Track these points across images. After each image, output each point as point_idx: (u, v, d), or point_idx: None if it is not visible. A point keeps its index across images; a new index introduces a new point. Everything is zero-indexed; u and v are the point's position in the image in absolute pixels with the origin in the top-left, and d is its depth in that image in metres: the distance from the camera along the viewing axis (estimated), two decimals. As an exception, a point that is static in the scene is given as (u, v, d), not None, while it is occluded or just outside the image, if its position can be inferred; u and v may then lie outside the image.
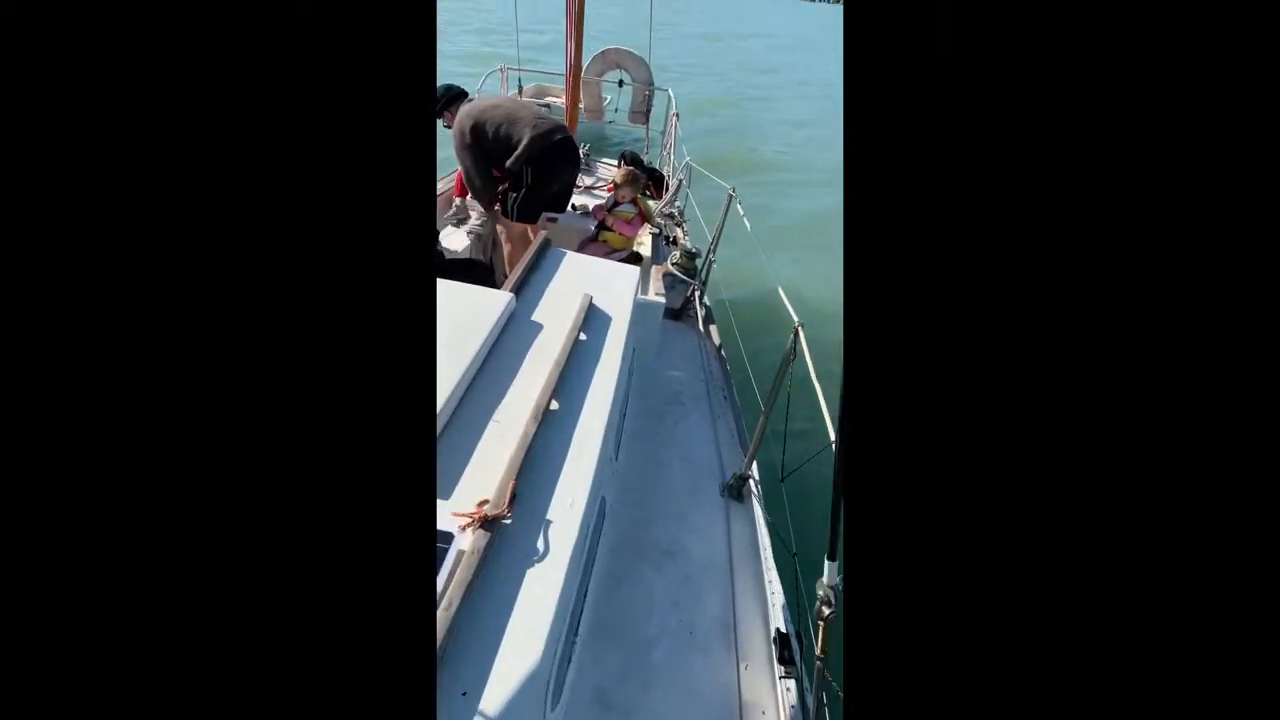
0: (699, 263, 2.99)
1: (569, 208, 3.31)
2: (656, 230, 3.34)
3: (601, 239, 3.14)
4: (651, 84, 4.66)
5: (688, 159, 3.65)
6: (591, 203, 3.52)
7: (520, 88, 4.26)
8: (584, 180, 3.88)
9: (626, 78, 3.87)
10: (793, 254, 5.56)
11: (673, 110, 3.61)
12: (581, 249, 2.84)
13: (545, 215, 3.11)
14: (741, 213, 2.91)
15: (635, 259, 2.97)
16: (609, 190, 3.37)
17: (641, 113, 4.55)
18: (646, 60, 4.50)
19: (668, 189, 3.70)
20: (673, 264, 2.87)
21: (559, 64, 4.40)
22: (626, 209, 3.18)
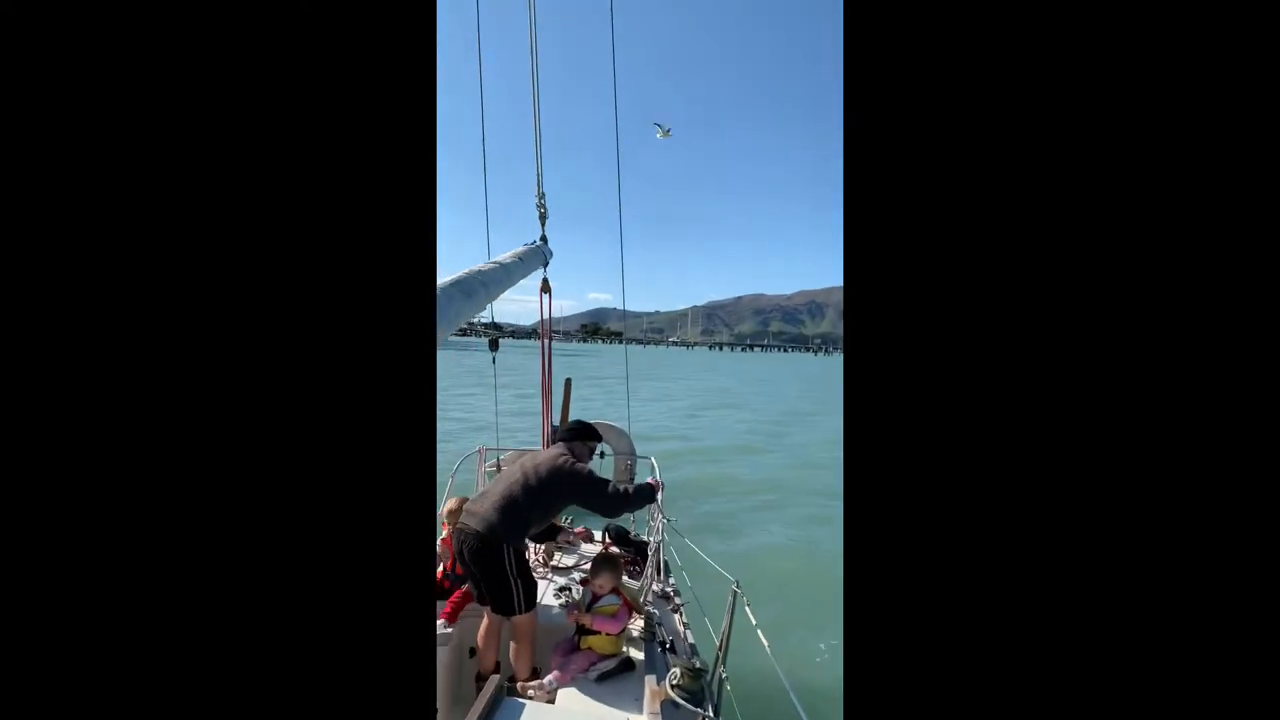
0: (706, 681, 2.26)
1: (547, 601, 2.90)
2: (647, 619, 2.79)
3: (584, 645, 2.53)
4: (634, 454, 4.31)
5: (664, 519, 3.29)
6: (573, 585, 3.07)
7: (499, 467, 4.04)
8: (565, 560, 3.46)
9: (606, 449, 3.65)
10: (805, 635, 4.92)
11: (656, 478, 3.43)
12: (563, 663, 2.44)
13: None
14: (749, 611, 2.41)
15: (627, 666, 2.47)
16: (583, 584, 2.84)
17: (625, 482, 4.38)
18: (627, 431, 4.24)
19: (651, 562, 3.24)
20: (673, 685, 2.18)
21: (535, 441, 4.26)
22: (608, 602, 2.60)
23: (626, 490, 2.54)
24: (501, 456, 4.17)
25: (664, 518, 3.29)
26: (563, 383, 3.64)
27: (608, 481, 2.53)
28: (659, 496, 3.07)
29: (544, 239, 3.14)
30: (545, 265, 3.08)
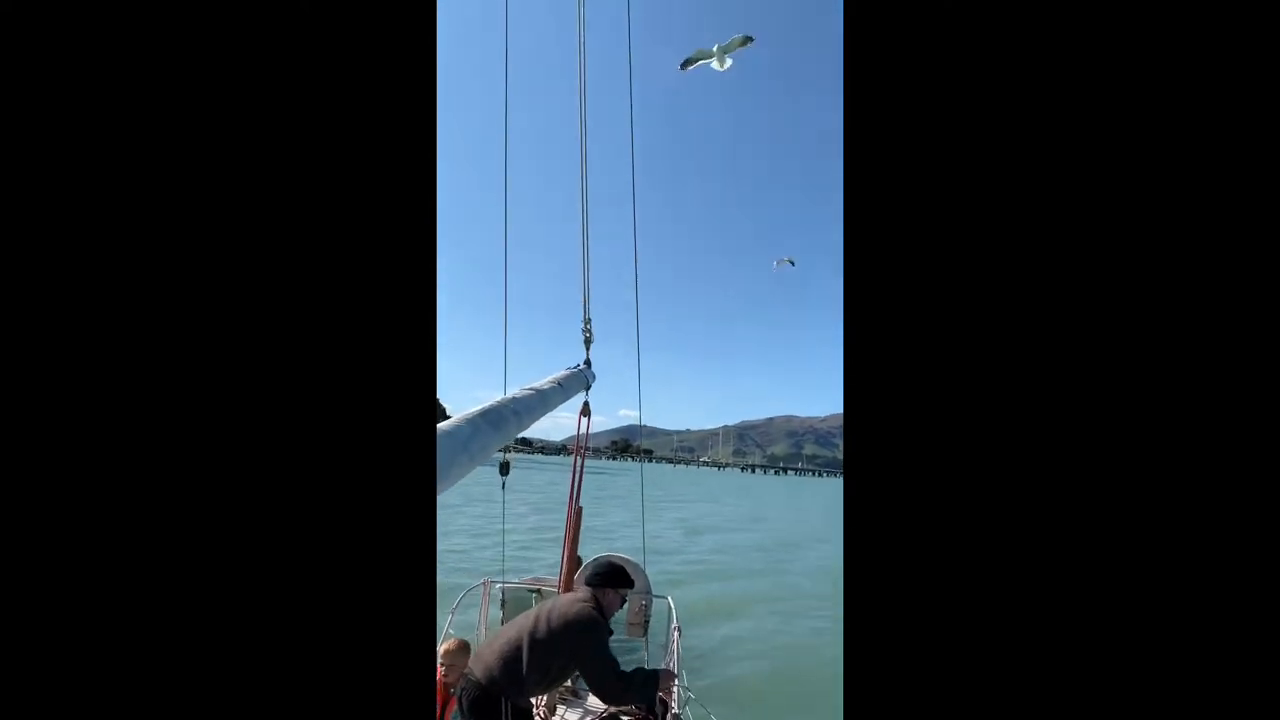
0: None
1: None
2: None
3: None
4: (649, 593, 4.02)
5: (690, 695, 3.05)
6: None
7: (504, 602, 3.90)
8: (569, 715, 3.25)
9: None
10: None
11: (674, 624, 3.27)
12: None
13: None
14: None
15: None
16: None
17: (639, 624, 3.97)
18: (643, 567, 4.03)
19: None
20: None
21: (542, 570, 4.12)
22: None
23: (629, 684, 2.26)
24: (505, 589, 3.90)
25: (686, 691, 2.90)
26: (574, 512, 3.38)
27: (613, 666, 2.25)
28: (674, 684, 2.71)
29: (588, 363, 3.08)
30: (587, 389, 2.99)
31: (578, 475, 3.27)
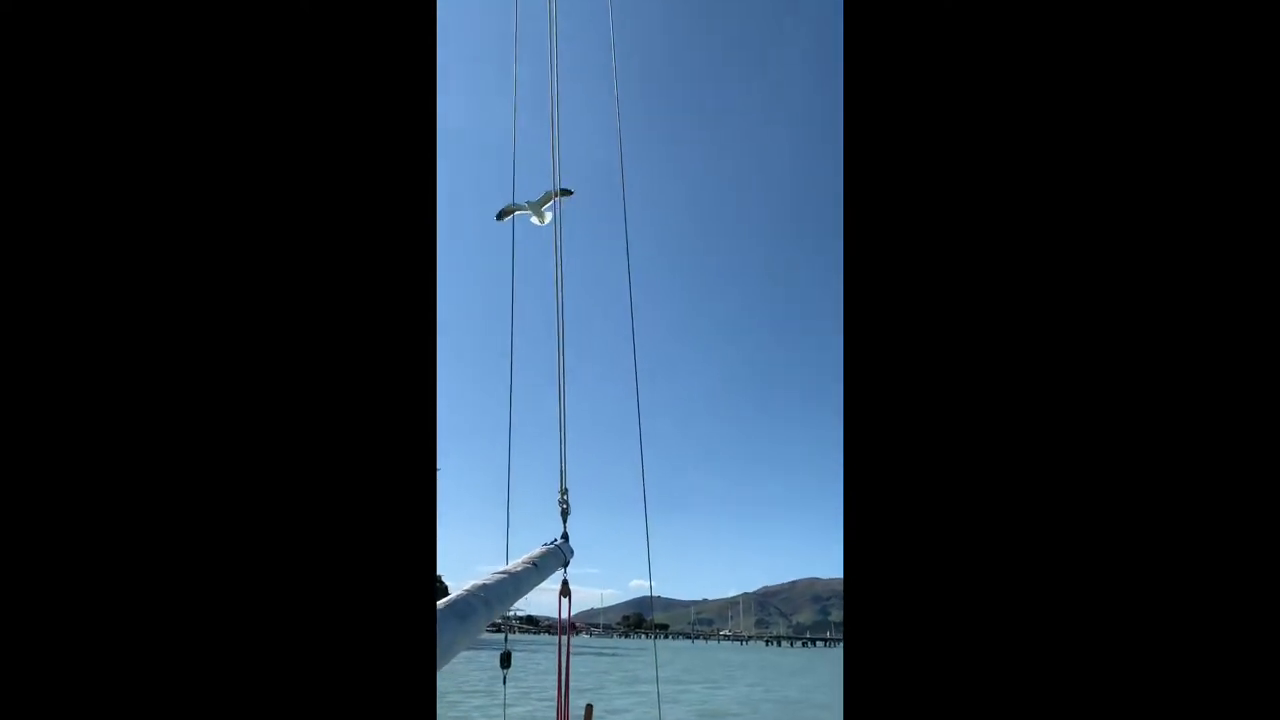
0: None
1: None
2: None
3: None
4: None
5: None
6: None
7: None
8: None
9: None
10: None
11: None
12: None
13: None
14: None
15: None
16: None
17: None
18: None
19: None
20: None
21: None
22: None
23: None
24: None
25: None
26: (584, 710, 3.05)
27: None
28: None
29: (565, 537, 3.03)
30: (565, 566, 2.91)
31: (563, 667, 2.99)
